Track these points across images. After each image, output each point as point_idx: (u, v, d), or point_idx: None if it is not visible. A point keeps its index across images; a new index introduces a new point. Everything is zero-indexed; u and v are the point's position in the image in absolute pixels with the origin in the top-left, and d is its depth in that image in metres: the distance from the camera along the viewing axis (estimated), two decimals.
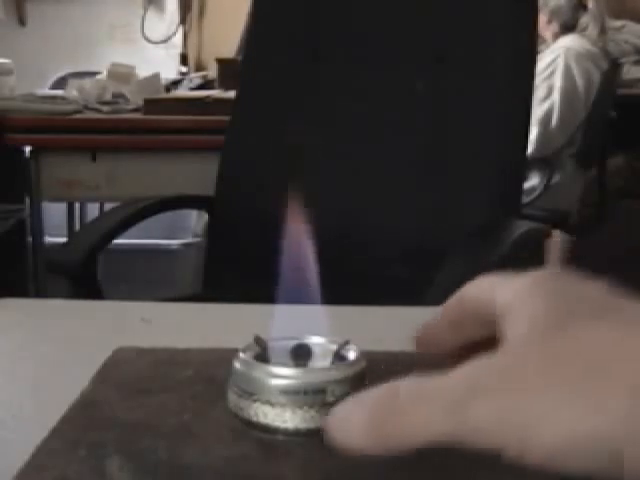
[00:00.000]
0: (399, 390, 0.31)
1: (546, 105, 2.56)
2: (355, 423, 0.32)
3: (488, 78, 1.36)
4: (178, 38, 3.63)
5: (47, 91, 2.76)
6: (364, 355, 0.38)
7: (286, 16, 1.53)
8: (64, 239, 2.25)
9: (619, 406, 0.26)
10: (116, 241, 1.35)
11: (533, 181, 2.51)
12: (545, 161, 2.53)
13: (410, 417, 0.30)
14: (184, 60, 3.51)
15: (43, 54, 3.37)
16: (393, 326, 0.63)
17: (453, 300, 0.38)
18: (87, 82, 2.32)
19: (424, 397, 0.30)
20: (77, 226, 2.68)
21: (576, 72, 2.60)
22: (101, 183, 2.07)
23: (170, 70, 3.18)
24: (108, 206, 1.95)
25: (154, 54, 3.52)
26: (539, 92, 2.51)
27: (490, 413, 0.28)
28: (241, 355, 0.38)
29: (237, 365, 0.38)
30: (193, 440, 0.41)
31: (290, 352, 0.38)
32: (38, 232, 2.16)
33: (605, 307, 0.30)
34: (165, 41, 3.62)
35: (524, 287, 0.33)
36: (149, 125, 2.10)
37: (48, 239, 2.22)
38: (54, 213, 2.49)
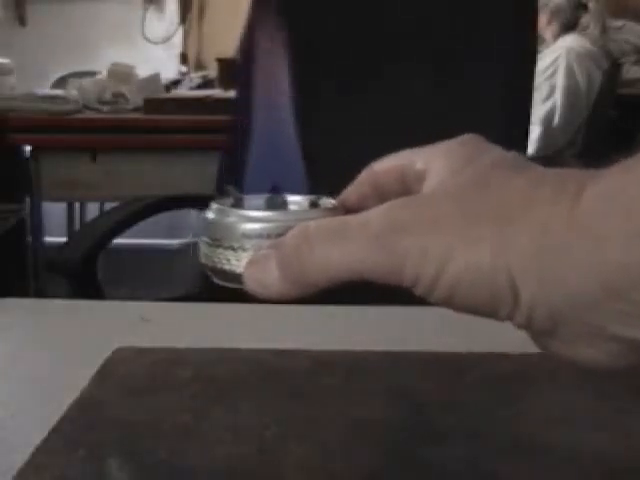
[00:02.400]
0: (310, 227, 0.31)
1: (548, 105, 2.56)
2: (269, 267, 0.32)
3: (488, 78, 1.36)
4: (178, 38, 3.63)
5: (47, 91, 2.76)
6: (341, 206, 0.35)
7: (285, 16, 1.53)
8: (64, 239, 2.24)
9: (529, 243, 0.28)
10: (116, 241, 1.35)
11: None
12: (546, 160, 2.53)
13: (327, 251, 0.30)
14: (184, 60, 3.51)
15: (43, 54, 3.37)
16: (393, 326, 0.63)
17: (363, 175, 0.37)
18: (87, 82, 2.32)
19: (341, 232, 0.30)
20: (77, 226, 2.68)
21: (578, 72, 2.60)
22: (101, 183, 2.07)
23: (170, 70, 3.18)
24: (108, 206, 1.95)
25: (154, 54, 3.51)
26: (541, 92, 2.52)
27: (411, 245, 0.29)
28: (213, 204, 0.35)
29: (208, 214, 0.35)
30: (193, 440, 0.41)
31: (264, 202, 0.35)
32: (38, 232, 2.16)
33: (519, 164, 0.32)
34: (165, 41, 3.62)
35: (442, 149, 0.34)
36: (149, 125, 2.10)
37: (48, 239, 2.22)
38: (54, 213, 2.49)
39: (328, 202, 0.36)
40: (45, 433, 0.41)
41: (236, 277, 0.34)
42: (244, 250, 0.33)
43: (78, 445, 0.40)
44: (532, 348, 0.44)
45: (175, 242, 2.75)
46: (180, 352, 0.53)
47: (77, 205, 2.70)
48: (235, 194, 0.36)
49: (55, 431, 0.41)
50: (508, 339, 0.52)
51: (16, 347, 0.60)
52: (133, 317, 0.64)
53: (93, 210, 2.60)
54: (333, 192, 0.37)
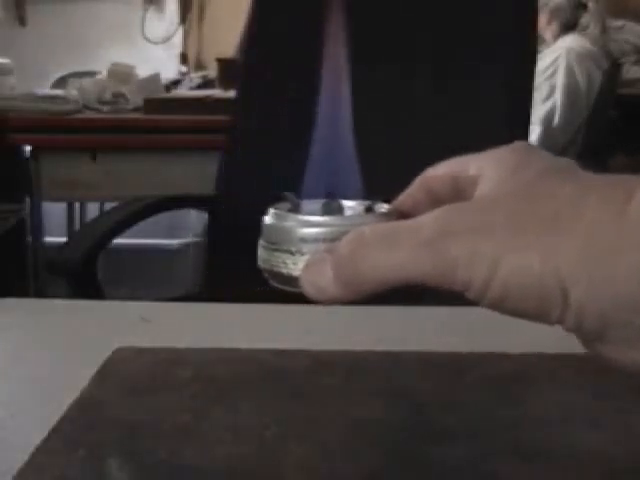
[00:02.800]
0: (365, 232, 0.32)
1: (548, 105, 2.56)
2: (324, 271, 0.32)
3: (488, 78, 1.36)
4: (178, 38, 3.63)
5: (47, 91, 2.76)
6: (395, 212, 0.36)
7: (286, 16, 1.53)
8: (64, 239, 2.24)
9: (577, 248, 0.29)
10: (116, 241, 1.35)
11: None
12: None
13: (380, 255, 0.31)
14: (184, 60, 3.50)
15: (43, 54, 3.37)
16: (393, 326, 0.63)
17: (417, 181, 0.38)
18: (87, 82, 2.32)
19: (394, 237, 0.31)
20: (77, 226, 2.68)
21: (578, 72, 2.60)
22: (101, 183, 2.06)
23: (170, 70, 3.17)
24: (108, 206, 1.95)
25: (154, 54, 3.51)
26: (541, 92, 2.52)
27: (463, 250, 0.30)
28: (271, 209, 0.36)
29: (266, 219, 0.36)
30: (193, 440, 0.41)
31: (320, 208, 0.36)
32: (38, 232, 2.16)
33: (569, 171, 0.33)
34: (165, 41, 3.62)
35: (494, 156, 0.34)
36: (149, 125, 2.10)
37: (48, 239, 2.22)
38: (54, 213, 2.49)
39: (382, 207, 0.36)
40: (45, 433, 0.41)
41: (293, 280, 0.34)
42: (301, 254, 0.34)
43: (78, 445, 0.40)
44: (532, 348, 0.44)
45: (175, 242, 2.75)
46: (180, 352, 0.53)
47: (77, 205, 2.70)
48: (292, 199, 0.36)
49: (55, 431, 0.41)
50: (508, 339, 0.52)
51: (16, 347, 0.60)
52: (133, 317, 0.64)
53: (93, 210, 2.59)
54: (388, 198, 0.38)
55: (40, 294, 2.11)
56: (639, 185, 0.30)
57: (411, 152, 1.40)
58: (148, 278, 2.53)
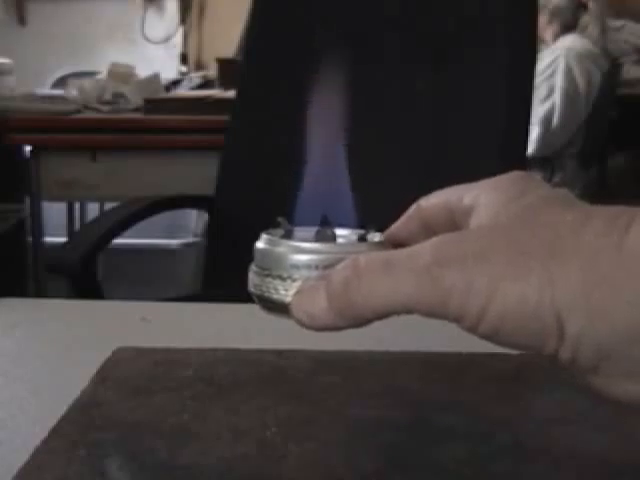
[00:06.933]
0: (360, 261, 0.32)
1: (547, 105, 2.56)
2: (317, 299, 0.32)
3: (488, 78, 1.36)
4: (178, 38, 3.63)
5: (47, 91, 2.76)
6: (389, 241, 0.36)
7: (286, 16, 1.53)
8: (64, 239, 2.24)
9: (575, 277, 0.28)
10: (116, 241, 1.35)
11: None
12: (546, 161, 2.54)
13: (375, 284, 0.31)
14: (184, 60, 3.50)
15: (43, 54, 3.37)
16: (393, 326, 0.63)
17: (411, 210, 0.37)
18: (87, 82, 2.32)
19: (389, 266, 0.31)
20: (77, 226, 2.67)
21: (577, 72, 2.60)
22: (101, 183, 2.06)
23: (170, 70, 3.17)
24: (108, 206, 1.95)
25: (154, 54, 3.51)
26: (540, 92, 2.51)
27: (457, 280, 0.29)
28: (264, 235, 0.36)
29: (258, 244, 0.36)
30: (193, 440, 0.41)
31: (314, 235, 0.36)
32: (38, 232, 2.15)
33: (567, 201, 0.32)
34: (165, 41, 3.62)
35: (490, 185, 0.34)
36: (149, 125, 2.10)
37: (48, 239, 2.22)
38: (54, 213, 2.49)
39: (376, 236, 0.36)
40: (45, 433, 0.41)
41: (284, 307, 0.34)
42: (293, 280, 0.34)
43: (78, 445, 0.40)
44: None
45: (175, 242, 2.75)
46: (180, 352, 0.53)
47: (77, 205, 2.70)
48: (285, 226, 0.37)
49: (55, 431, 0.41)
50: None
51: (16, 347, 0.60)
52: (133, 317, 0.64)
53: (93, 210, 2.59)
54: (381, 227, 0.38)
55: (40, 294, 2.11)
56: (637, 216, 0.29)
57: (411, 151, 1.40)
58: (148, 278, 2.52)
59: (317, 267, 0.34)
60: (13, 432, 0.44)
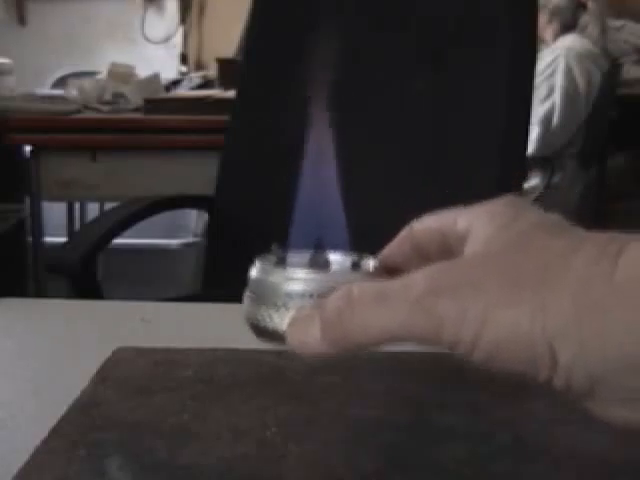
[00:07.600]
0: (354, 291, 0.32)
1: (547, 105, 2.56)
2: (311, 327, 0.32)
3: (488, 78, 1.36)
4: (178, 38, 3.63)
5: (47, 91, 2.76)
6: (382, 267, 0.36)
7: (286, 16, 1.53)
8: (64, 239, 2.24)
9: (567, 305, 0.28)
10: (116, 241, 1.35)
11: (534, 181, 2.51)
12: (546, 161, 2.53)
13: (368, 314, 0.31)
14: (184, 60, 3.50)
15: (43, 54, 3.37)
16: None
17: (403, 234, 0.38)
18: (87, 82, 2.32)
19: (383, 297, 0.31)
20: (77, 226, 2.67)
21: (577, 72, 2.60)
22: (101, 183, 2.06)
23: (170, 70, 3.17)
24: (108, 206, 1.95)
25: (154, 54, 3.51)
26: (540, 92, 2.51)
27: (450, 309, 0.30)
28: (257, 262, 0.36)
29: (251, 271, 0.36)
30: (193, 440, 0.41)
31: (307, 261, 0.36)
32: (38, 232, 2.15)
33: (559, 226, 0.32)
34: (165, 41, 3.62)
35: (483, 210, 0.34)
36: (149, 125, 2.10)
37: (48, 239, 2.22)
38: (54, 213, 2.49)
39: (369, 263, 0.37)
40: (45, 433, 0.41)
41: (278, 335, 0.35)
42: (287, 309, 0.34)
43: (78, 445, 0.40)
44: None
45: (175, 242, 2.75)
46: (180, 352, 0.53)
47: (77, 205, 2.70)
48: (278, 252, 0.37)
49: (55, 431, 0.41)
50: None
51: (16, 347, 0.60)
52: (133, 317, 0.64)
53: (93, 210, 2.59)
54: (374, 251, 0.38)
55: (40, 294, 2.11)
56: (628, 243, 0.29)
57: (411, 151, 1.40)
58: (148, 278, 2.52)
59: (311, 296, 0.34)
60: (13, 432, 0.44)
